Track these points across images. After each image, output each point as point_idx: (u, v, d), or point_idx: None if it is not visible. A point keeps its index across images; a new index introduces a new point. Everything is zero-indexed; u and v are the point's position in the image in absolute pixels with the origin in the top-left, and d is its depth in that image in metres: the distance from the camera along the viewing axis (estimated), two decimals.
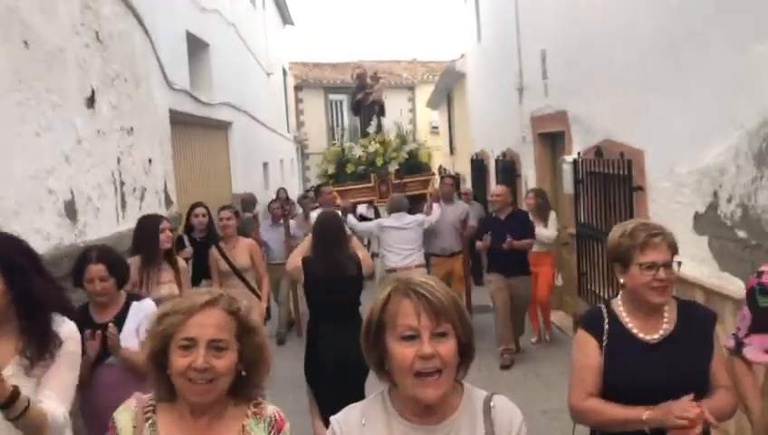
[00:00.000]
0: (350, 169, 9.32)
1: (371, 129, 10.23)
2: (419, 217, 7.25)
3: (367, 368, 3.87)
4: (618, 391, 2.24)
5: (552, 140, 8.02)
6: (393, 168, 9.24)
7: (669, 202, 4.90)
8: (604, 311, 2.37)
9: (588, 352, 2.32)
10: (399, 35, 43.62)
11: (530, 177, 8.89)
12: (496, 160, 11.01)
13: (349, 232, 5.06)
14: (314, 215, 6.59)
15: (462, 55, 14.90)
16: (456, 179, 8.88)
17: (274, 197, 9.29)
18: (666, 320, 2.30)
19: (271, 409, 1.84)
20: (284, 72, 21.03)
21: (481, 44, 12.48)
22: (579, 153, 6.73)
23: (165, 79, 6.47)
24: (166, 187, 6.27)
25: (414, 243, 6.97)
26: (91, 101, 4.46)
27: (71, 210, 3.96)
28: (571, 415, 2.41)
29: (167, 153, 6.39)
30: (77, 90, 4.27)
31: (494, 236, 6.49)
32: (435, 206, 7.44)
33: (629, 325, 2.31)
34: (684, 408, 2.07)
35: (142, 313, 3.18)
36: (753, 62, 3.70)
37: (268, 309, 6.50)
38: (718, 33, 4.09)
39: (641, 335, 2.28)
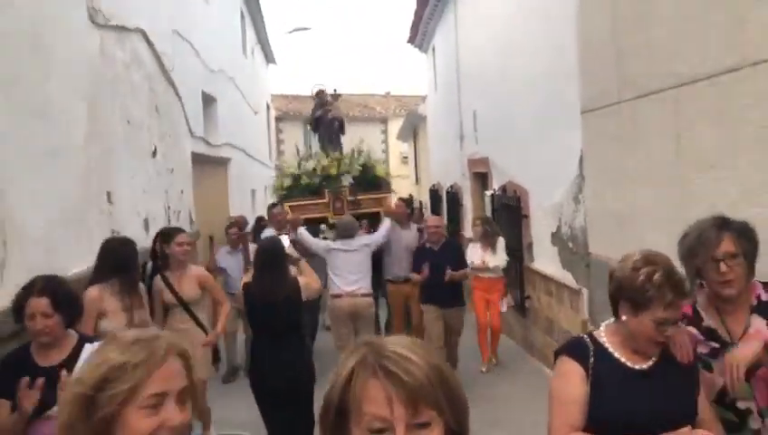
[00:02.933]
0: (303, 180, 8.96)
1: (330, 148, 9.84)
2: (364, 238, 7.06)
3: (310, 385, 4.32)
4: (605, 423, 2.09)
5: (481, 178, 10.41)
6: (347, 181, 8.88)
7: (540, 225, 7.28)
8: (587, 340, 2.25)
9: (573, 381, 2.15)
10: (374, 70, 46.25)
11: (468, 206, 11.27)
12: (446, 192, 13.43)
13: (297, 256, 5.17)
14: (266, 233, 6.93)
15: (423, 100, 17.41)
16: (410, 203, 8.35)
17: (230, 222, 8.21)
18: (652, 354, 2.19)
19: None
20: (267, 107, 23.32)
21: (437, 94, 14.97)
22: (494, 189, 9.13)
23: (189, 129, 8.75)
24: (190, 210, 8.52)
25: (361, 267, 6.57)
26: (153, 153, 6.74)
27: (146, 225, 6.22)
28: None
29: (190, 185, 8.64)
30: (147, 147, 6.56)
31: (430, 268, 6.54)
32: (385, 221, 7.30)
33: (616, 354, 2.19)
34: None
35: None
36: (572, 139, 6.10)
37: (216, 350, 6.12)
38: (559, 116, 6.48)
39: (629, 364, 2.16)
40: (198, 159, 9.25)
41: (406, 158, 27.02)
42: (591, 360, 2.17)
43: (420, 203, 17.20)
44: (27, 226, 3.59)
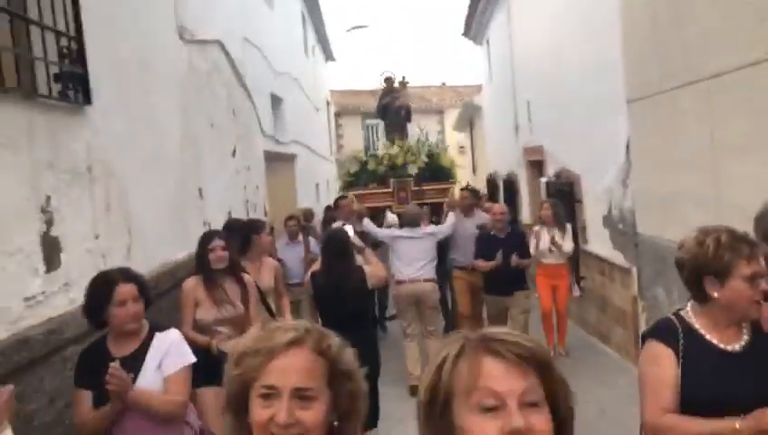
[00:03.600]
0: (371, 166, 9.06)
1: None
2: (432, 227, 7.17)
3: (376, 373, 4.47)
4: (698, 405, 2.08)
5: (537, 165, 10.79)
6: (413, 171, 8.89)
7: (592, 209, 7.67)
8: (676, 321, 2.23)
9: (664, 364, 2.16)
10: (430, 62, 46.53)
11: (524, 193, 11.67)
12: (503, 180, 13.83)
13: (361, 245, 5.30)
14: (337, 225, 6.86)
15: (479, 90, 17.79)
16: (476, 192, 8.41)
17: (289, 215, 8.16)
18: (744, 331, 2.19)
19: None
20: (327, 103, 24.07)
21: (492, 84, 15.34)
22: (549, 176, 9.52)
23: (261, 130, 9.44)
24: (264, 204, 9.23)
25: (426, 254, 6.61)
26: (234, 153, 7.44)
27: (230, 217, 6.92)
28: (646, 434, 2.25)
29: (263, 180, 9.35)
30: (228, 147, 7.26)
31: (494, 256, 6.49)
32: (450, 215, 7.35)
33: (708, 336, 2.17)
34: None
35: (167, 344, 2.86)
36: (619, 126, 6.48)
37: None
38: (607, 105, 6.85)
39: (722, 346, 2.15)
40: (269, 157, 9.95)
41: (462, 147, 27.31)
42: (681, 341, 2.17)
43: (477, 190, 17.59)
44: (143, 218, 4.27)
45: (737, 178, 4.36)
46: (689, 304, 2.27)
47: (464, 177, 22.28)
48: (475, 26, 15.87)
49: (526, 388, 1.08)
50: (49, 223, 3.04)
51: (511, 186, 12.85)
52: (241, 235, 4.93)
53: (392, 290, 6.94)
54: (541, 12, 9.59)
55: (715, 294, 2.12)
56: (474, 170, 21.81)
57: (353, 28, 21.23)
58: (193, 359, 2.94)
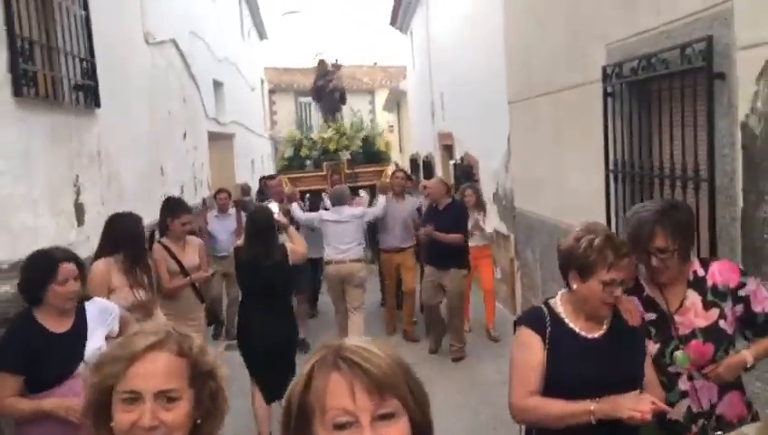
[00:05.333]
0: (304, 152, 9.11)
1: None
2: (360, 209, 7.30)
3: (295, 343, 4.96)
4: (560, 387, 2.28)
5: (448, 149, 12.41)
6: (345, 156, 8.98)
7: (486, 187, 9.31)
8: (545, 310, 2.42)
9: (531, 349, 2.34)
10: (361, 43, 47.76)
11: (439, 173, 13.30)
12: (423, 161, 15.45)
13: (285, 223, 5.49)
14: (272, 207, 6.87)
15: (404, 77, 19.31)
16: (408, 175, 8.75)
17: (219, 188, 8.17)
18: (604, 321, 2.38)
19: None
20: (261, 82, 25.11)
21: (414, 72, 16.89)
22: (456, 159, 11.15)
23: (205, 113, 10.68)
24: (208, 179, 10.52)
25: (352, 236, 6.85)
26: (184, 136, 8.72)
27: (182, 190, 8.22)
28: (513, 414, 2.40)
29: (207, 159, 10.62)
30: (180, 130, 8.53)
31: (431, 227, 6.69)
32: (380, 197, 7.52)
33: (571, 324, 2.37)
34: (638, 401, 2.17)
35: (99, 308, 3.04)
36: (503, 121, 8.09)
37: (210, 311, 6.47)
38: (495, 103, 8.45)
39: (583, 333, 2.36)
40: (211, 136, 11.21)
41: (392, 127, 28.87)
42: (548, 329, 2.34)
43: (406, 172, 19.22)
44: (129, 190, 5.61)
45: (572, 168, 6.00)
46: (560, 292, 2.48)
47: (393, 156, 24.01)
48: (400, 17, 17.31)
49: (379, 400, 1.07)
50: (78, 193, 4.40)
51: (429, 166, 14.48)
52: (160, 217, 4.97)
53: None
54: (450, 13, 11.14)
55: (575, 286, 2.33)
56: (400, 150, 23.42)
57: (287, 13, 22.23)
58: (118, 308, 3.20)
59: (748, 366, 2.46)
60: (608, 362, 2.30)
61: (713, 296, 2.51)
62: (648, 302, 2.58)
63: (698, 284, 2.54)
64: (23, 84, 3.68)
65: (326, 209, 7.46)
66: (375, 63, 36.62)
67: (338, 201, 7.06)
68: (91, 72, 4.72)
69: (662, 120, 4.39)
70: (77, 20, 4.64)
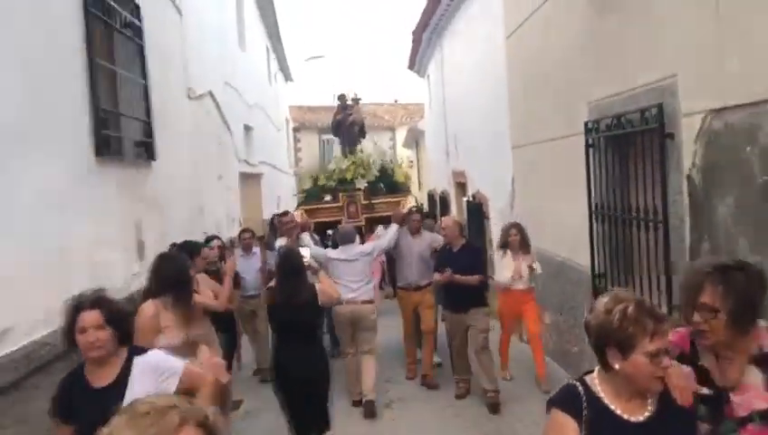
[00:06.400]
0: (321, 181, 9.06)
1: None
2: (367, 247, 7.15)
3: (328, 378, 4.97)
4: None
5: (462, 186, 13.21)
6: (361, 185, 8.79)
7: (495, 225, 10.07)
8: (580, 388, 2.13)
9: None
10: (382, 81, 49.21)
11: (453, 209, 14.09)
12: (439, 197, 16.26)
13: (316, 266, 5.72)
14: (279, 243, 7.12)
15: (422, 116, 20.25)
16: (423, 213, 8.76)
17: (243, 228, 8.44)
18: (650, 400, 2.09)
19: None
20: (287, 120, 26.25)
21: (431, 113, 17.81)
22: (469, 196, 11.94)
23: (236, 155, 11.63)
24: (240, 217, 11.42)
25: (361, 275, 6.65)
26: (219, 177, 9.63)
27: (217, 228, 9.09)
28: None
29: (238, 198, 11.53)
30: (216, 172, 9.44)
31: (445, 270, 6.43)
32: (392, 228, 7.27)
33: (612, 406, 2.08)
34: None
35: (149, 369, 2.77)
36: (508, 163, 8.88)
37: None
38: (501, 147, 9.25)
39: (626, 416, 2.06)
40: (242, 177, 12.13)
41: (412, 162, 29.83)
42: (585, 412, 2.07)
43: (422, 209, 20.07)
44: (174, 231, 6.47)
45: (564, 207, 6.74)
46: (596, 368, 2.17)
47: (413, 190, 24.97)
48: (417, 61, 18.29)
49: None
50: (139, 232, 5.26)
51: (445, 202, 15.29)
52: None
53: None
54: (461, 62, 12.04)
55: (617, 366, 2.04)
56: (419, 186, 24.29)
57: (311, 58, 23.39)
58: (182, 363, 2.89)
59: None
60: None
61: None
62: (703, 373, 2.30)
63: (763, 360, 2.24)
64: (101, 146, 4.58)
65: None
66: (396, 101, 37.76)
67: (345, 241, 6.84)
68: (148, 131, 5.64)
69: (630, 169, 5.16)
70: (138, 88, 5.57)
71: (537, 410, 5.50)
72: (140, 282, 5.16)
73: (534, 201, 7.80)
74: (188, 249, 5.07)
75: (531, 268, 6.72)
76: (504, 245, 6.88)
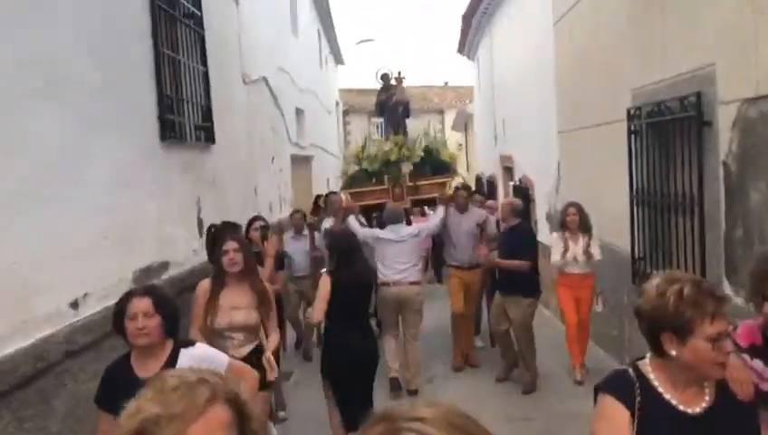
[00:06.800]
0: (365, 165, 8.89)
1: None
2: (415, 228, 6.98)
3: (377, 360, 4.91)
4: None
5: (508, 171, 13.32)
6: (406, 168, 8.70)
7: (540, 208, 10.20)
8: (632, 374, 1.99)
9: (618, 424, 1.92)
10: (432, 64, 49.15)
11: (501, 194, 14.21)
12: (487, 180, 16.38)
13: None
14: (325, 224, 7.32)
15: (470, 100, 20.31)
16: (469, 188, 8.58)
17: (295, 208, 8.52)
18: (707, 390, 1.95)
19: None
20: (337, 103, 26.61)
21: (480, 96, 17.88)
22: (516, 180, 12.05)
23: (289, 139, 12.00)
24: (291, 198, 11.81)
25: (409, 257, 6.51)
26: (272, 160, 10.00)
27: (270, 208, 9.46)
28: None
29: (290, 179, 11.91)
30: (269, 155, 9.81)
31: (498, 249, 6.45)
32: (439, 209, 7.28)
33: (667, 395, 1.93)
34: None
35: (195, 361, 2.67)
36: (554, 148, 8.99)
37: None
38: (548, 132, 9.35)
39: (681, 407, 1.91)
40: (294, 159, 12.51)
41: (461, 145, 29.88)
42: (638, 399, 1.93)
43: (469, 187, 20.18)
44: (231, 209, 6.83)
45: (607, 192, 6.86)
46: (649, 355, 2.04)
47: (460, 170, 25.05)
48: (467, 45, 18.35)
49: None
50: (199, 211, 5.63)
51: (492, 186, 15.40)
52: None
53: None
54: (511, 47, 12.12)
55: (674, 353, 1.89)
56: (467, 168, 24.37)
57: (361, 41, 23.64)
58: (226, 358, 2.95)
59: None
60: None
61: None
62: None
63: None
64: (166, 130, 4.94)
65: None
66: (445, 83, 37.73)
67: (392, 220, 6.72)
68: (208, 115, 5.99)
69: (670, 156, 5.27)
70: (198, 74, 5.92)
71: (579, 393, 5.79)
72: (200, 258, 5.55)
73: (579, 186, 7.91)
74: (229, 231, 4.97)
75: (587, 252, 6.26)
76: (562, 224, 6.48)
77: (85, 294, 3.76)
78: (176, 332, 2.89)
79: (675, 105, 4.92)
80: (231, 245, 3.94)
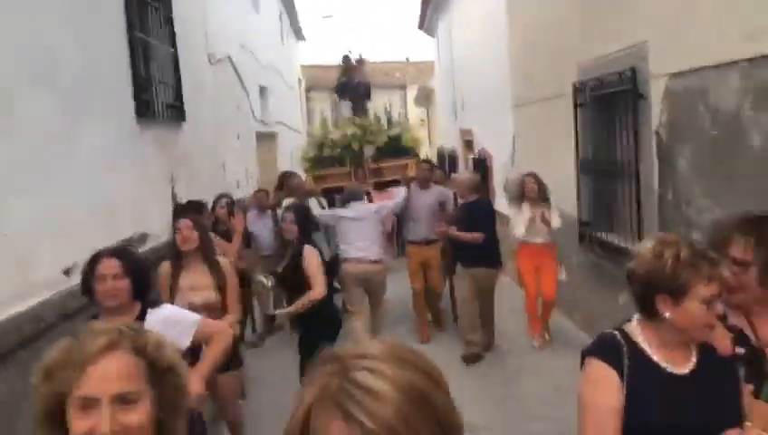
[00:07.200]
0: (326, 152, 8.73)
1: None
2: (374, 205, 7.06)
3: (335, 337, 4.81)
4: (643, 433, 1.90)
5: (468, 144, 13.76)
6: (369, 152, 8.62)
7: (497, 178, 10.66)
8: (620, 338, 2.00)
9: (607, 388, 1.93)
10: (393, 39, 49.22)
11: (462, 167, 14.66)
12: (448, 154, 16.82)
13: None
14: (285, 203, 6.97)
15: (432, 76, 20.67)
16: (431, 164, 8.43)
17: (258, 187, 8.53)
18: (692, 351, 1.98)
19: None
20: (299, 80, 26.71)
21: (441, 72, 18.25)
22: (475, 153, 12.50)
23: (253, 116, 12.23)
24: (257, 174, 12.08)
25: (369, 234, 6.53)
26: (238, 137, 10.26)
27: (237, 185, 9.74)
28: None
29: (255, 156, 12.17)
30: (235, 133, 10.06)
31: (457, 225, 6.44)
32: (401, 190, 7.29)
33: (655, 357, 1.95)
34: None
35: (161, 321, 2.69)
36: (509, 121, 9.44)
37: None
38: (504, 106, 9.78)
39: (670, 368, 1.94)
40: (258, 136, 12.76)
41: (423, 120, 30.22)
42: (626, 362, 1.94)
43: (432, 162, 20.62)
44: (203, 180, 7.12)
45: (557, 162, 7.31)
46: (635, 317, 2.05)
47: (423, 150, 25.47)
48: (427, 21, 18.65)
49: None
50: (172, 186, 5.93)
51: (453, 160, 15.84)
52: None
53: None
54: (467, 22, 12.50)
55: (668, 314, 1.91)
56: (430, 143, 24.79)
57: (324, 17, 23.72)
58: (197, 316, 2.96)
59: None
60: (698, 403, 1.91)
61: None
62: (735, 333, 2.18)
63: None
64: (141, 109, 5.22)
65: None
66: (407, 59, 37.91)
67: (352, 198, 6.78)
68: (178, 95, 6.27)
69: (611, 126, 5.73)
70: (168, 56, 6.18)
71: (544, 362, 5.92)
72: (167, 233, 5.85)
73: (532, 157, 8.37)
74: (193, 209, 5.13)
75: (544, 220, 6.24)
76: (520, 196, 6.46)
77: (74, 264, 4.06)
78: (145, 294, 2.88)
79: (614, 79, 5.37)
80: (183, 223, 3.93)
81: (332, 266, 6.90)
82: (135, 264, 2.84)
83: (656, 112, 4.79)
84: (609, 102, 5.70)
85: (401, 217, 7.35)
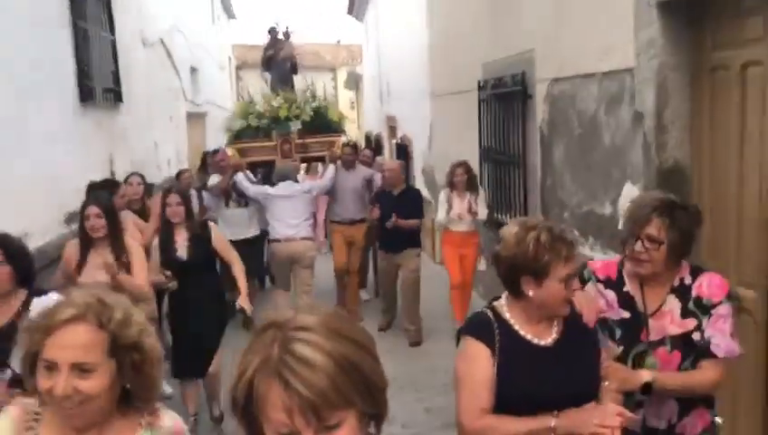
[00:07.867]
0: (252, 122, 8.54)
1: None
2: (306, 184, 7.12)
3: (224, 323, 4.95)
4: (513, 402, 2.07)
5: (393, 130, 14.51)
6: (296, 126, 8.49)
7: (417, 163, 11.45)
8: (491, 315, 2.18)
9: (480, 362, 2.11)
10: (325, 21, 49.30)
11: (387, 152, 15.41)
12: (375, 139, 17.53)
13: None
14: (211, 181, 7.09)
15: (360, 61, 21.31)
16: (356, 146, 8.53)
17: (181, 169, 8.25)
18: (555, 324, 2.17)
19: (168, 418, 1.69)
20: (229, 59, 26.84)
21: (368, 57, 18.90)
22: (398, 139, 13.26)
23: (184, 96, 12.59)
24: (186, 154, 12.47)
25: (300, 212, 6.61)
26: (171, 118, 10.66)
27: (168, 163, 10.16)
28: None
29: (185, 136, 12.55)
30: (167, 114, 10.46)
31: (385, 213, 6.50)
32: (329, 168, 7.34)
33: (522, 331, 2.15)
34: (603, 414, 1.99)
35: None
36: (428, 109, 10.21)
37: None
38: (424, 94, 10.54)
39: (535, 340, 2.14)
40: (189, 116, 13.13)
41: (353, 103, 30.75)
42: (497, 338, 2.11)
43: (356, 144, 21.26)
44: (139, 160, 7.58)
45: (466, 150, 8.13)
46: (504, 295, 2.23)
47: (352, 133, 25.95)
48: (356, 6, 19.22)
49: (318, 418, 0.99)
50: (111, 164, 6.42)
51: (379, 144, 16.57)
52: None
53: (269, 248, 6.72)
54: (393, 11, 13.20)
55: (531, 293, 2.08)
56: (358, 127, 25.46)
57: None
58: None
59: (643, 386, 2.29)
60: (562, 370, 2.10)
61: (694, 307, 2.40)
62: (626, 299, 2.48)
63: (682, 291, 2.43)
64: (84, 93, 5.71)
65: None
66: (338, 42, 38.24)
67: (283, 177, 6.84)
68: (116, 78, 6.73)
69: (506, 121, 6.56)
70: (107, 42, 6.63)
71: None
72: None
73: (446, 144, 9.18)
74: (107, 187, 5.15)
75: (471, 210, 6.42)
76: (450, 184, 6.60)
77: (26, 234, 4.56)
78: (30, 281, 2.92)
79: (509, 80, 6.18)
80: (92, 210, 3.92)
81: (260, 242, 7.35)
82: (17, 251, 2.89)
83: (540, 111, 5.62)
84: (505, 100, 6.51)
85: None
